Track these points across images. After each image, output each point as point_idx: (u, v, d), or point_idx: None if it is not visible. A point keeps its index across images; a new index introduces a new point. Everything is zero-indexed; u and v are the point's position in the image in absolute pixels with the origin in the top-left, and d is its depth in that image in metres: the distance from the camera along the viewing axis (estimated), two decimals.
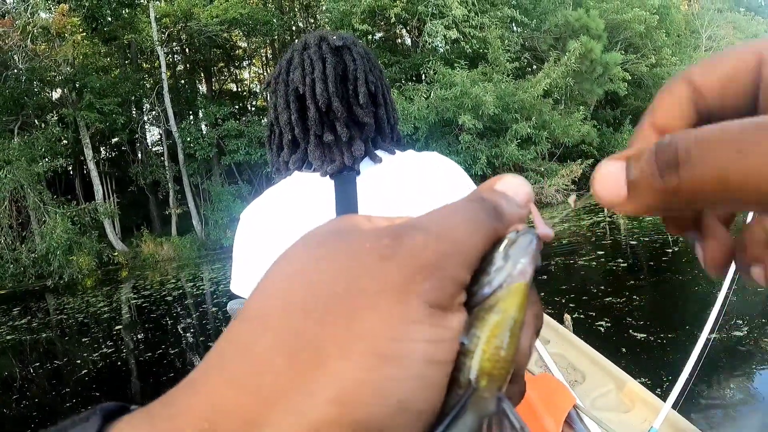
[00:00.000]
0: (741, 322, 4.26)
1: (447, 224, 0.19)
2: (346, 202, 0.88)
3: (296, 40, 1.00)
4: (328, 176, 0.90)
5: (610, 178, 0.20)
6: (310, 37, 0.95)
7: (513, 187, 0.22)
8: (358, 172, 0.91)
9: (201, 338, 6.51)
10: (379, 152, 0.95)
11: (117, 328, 7.87)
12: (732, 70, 0.21)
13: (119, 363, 5.92)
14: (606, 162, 0.21)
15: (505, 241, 0.21)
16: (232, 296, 0.94)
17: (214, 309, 8.13)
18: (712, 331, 2.00)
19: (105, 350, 6.49)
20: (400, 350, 0.17)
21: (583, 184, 15.97)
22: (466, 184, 0.94)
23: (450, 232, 0.19)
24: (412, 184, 0.89)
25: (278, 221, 0.89)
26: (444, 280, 0.18)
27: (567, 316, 3.65)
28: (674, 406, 1.87)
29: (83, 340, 7.42)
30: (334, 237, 0.20)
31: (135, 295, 10.47)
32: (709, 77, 0.21)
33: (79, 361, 6.19)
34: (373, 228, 0.20)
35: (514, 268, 0.20)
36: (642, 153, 0.19)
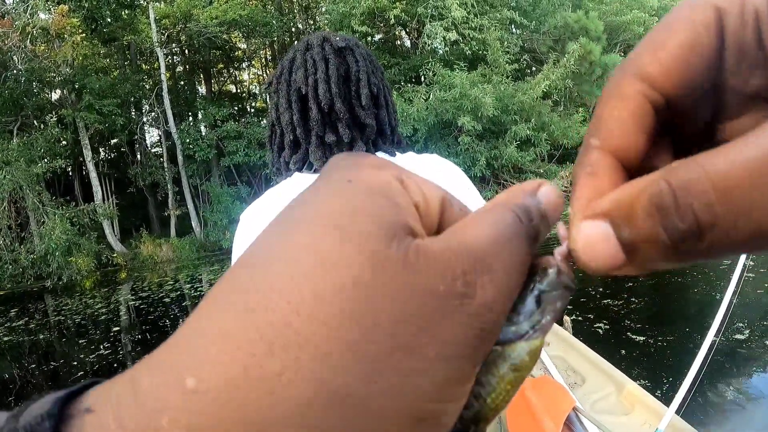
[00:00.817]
0: (742, 325, 4.26)
1: (509, 264, 0.16)
2: None
3: (297, 41, 0.99)
4: None
5: (598, 244, 0.16)
6: (312, 38, 0.95)
7: (553, 204, 0.18)
8: None
9: None
10: (379, 154, 0.95)
11: (115, 329, 7.85)
12: (690, 38, 0.16)
13: (116, 365, 5.90)
14: (582, 224, 0.17)
15: (542, 281, 0.18)
16: None
17: None
18: (717, 334, 1.99)
19: (102, 352, 6.47)
20: (436, 413, 0.15)
21: None
22: (466, 185, 0.94)
23: (511, 277, 0.16)
24: None
25: None
26: (491, 341, 0.16)
27: (566, 318, 3.64)
28: (677, 411, 1.86)
29: (81, 341, 7.39)
30: (395, 245, 0.15)
31: (133, 297, 10.44)
32: (663, 61, 0.17)
33: (76, 363, 6.17)
34: (441, 255, 0.16)
35: (540, 320, 0.18)
36: (630, 208, 0.15)
